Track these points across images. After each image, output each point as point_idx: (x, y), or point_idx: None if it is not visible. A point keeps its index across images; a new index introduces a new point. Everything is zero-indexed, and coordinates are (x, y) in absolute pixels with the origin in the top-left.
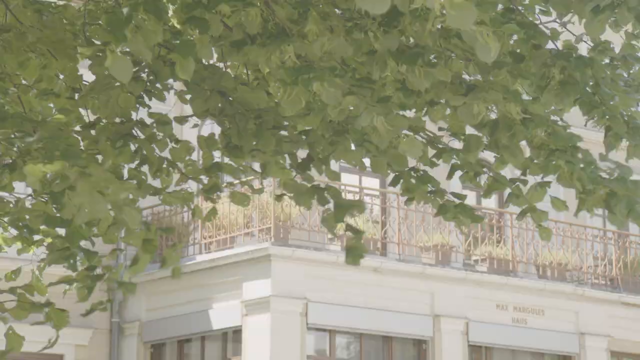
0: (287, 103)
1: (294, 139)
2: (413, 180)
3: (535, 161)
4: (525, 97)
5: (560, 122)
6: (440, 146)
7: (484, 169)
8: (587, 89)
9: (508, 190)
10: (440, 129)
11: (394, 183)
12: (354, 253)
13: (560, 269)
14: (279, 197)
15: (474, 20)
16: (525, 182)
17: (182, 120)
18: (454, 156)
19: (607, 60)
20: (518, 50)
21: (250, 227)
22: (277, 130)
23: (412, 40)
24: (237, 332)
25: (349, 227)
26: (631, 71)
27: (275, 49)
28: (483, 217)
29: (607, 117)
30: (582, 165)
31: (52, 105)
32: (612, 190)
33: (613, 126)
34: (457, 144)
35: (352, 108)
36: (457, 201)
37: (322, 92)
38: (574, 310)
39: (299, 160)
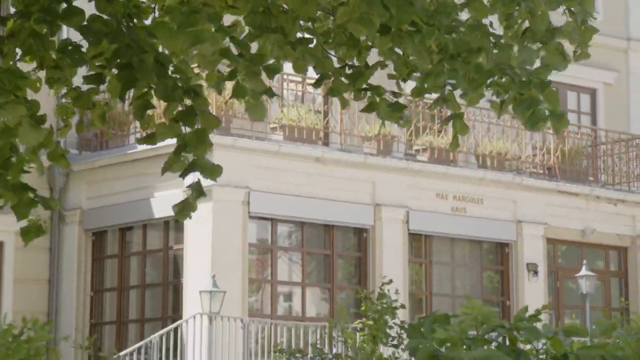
0: (168, 46)
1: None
2: (343, 79)
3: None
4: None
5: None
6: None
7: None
8: None
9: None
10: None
11: (316, 84)
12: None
13: (500, 159)
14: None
15: None
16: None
17: None
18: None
19: None
20: None
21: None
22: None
23: None
24: (179, 220)
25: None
26: None
27: None
28: (411, 121)
29: (528, 13)
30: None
31: None
32: (518, 94)
33: (532, 25)
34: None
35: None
36: (393, 100)
37: (201, 46)
38: (512, 199)
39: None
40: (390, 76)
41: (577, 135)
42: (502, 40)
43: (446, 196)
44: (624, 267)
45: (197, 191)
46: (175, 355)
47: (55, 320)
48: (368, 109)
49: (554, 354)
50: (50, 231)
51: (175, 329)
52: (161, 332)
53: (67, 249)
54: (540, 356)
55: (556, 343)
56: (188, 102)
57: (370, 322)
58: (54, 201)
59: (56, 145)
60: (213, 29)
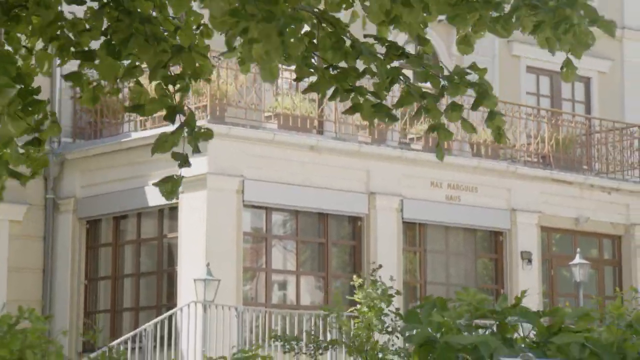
0: (175, 6)
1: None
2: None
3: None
4: None
5: None
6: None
7: (400, 78)
8: None
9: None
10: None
11: (307, 91)
12: (170, 185)
13: (494, 147)
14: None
15: None
16: (437, 99)
17: None
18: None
19: None
20: None
21: (186, 104)
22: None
23: None
24: (173, 209)
25: (175, 156)
26: None
27: None
28: (397, 118)
29: None
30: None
31: None
32: (539, 21)
33: None
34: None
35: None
36: (376, 100)
37: (209, 3)
38: (507, 187)
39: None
40: (374, 84)
41: (571, 123)
42: None
43: (440, 184)
44: (618, 255)
45: (182, 161)
46: (169, 344)
47: (50, 309)
48: (351, 110)
49: (537, 340)
50: (44, 220)
51: (170, 317)
52: (155, 320)
53: (61, 238)
54: (527, 341)
55: (540, 327)
56: (171, 60)
57: (365, 310)
58: (25, 176)
59: (51, 115)
60: None
